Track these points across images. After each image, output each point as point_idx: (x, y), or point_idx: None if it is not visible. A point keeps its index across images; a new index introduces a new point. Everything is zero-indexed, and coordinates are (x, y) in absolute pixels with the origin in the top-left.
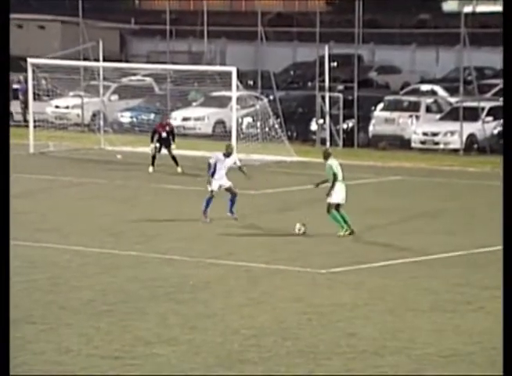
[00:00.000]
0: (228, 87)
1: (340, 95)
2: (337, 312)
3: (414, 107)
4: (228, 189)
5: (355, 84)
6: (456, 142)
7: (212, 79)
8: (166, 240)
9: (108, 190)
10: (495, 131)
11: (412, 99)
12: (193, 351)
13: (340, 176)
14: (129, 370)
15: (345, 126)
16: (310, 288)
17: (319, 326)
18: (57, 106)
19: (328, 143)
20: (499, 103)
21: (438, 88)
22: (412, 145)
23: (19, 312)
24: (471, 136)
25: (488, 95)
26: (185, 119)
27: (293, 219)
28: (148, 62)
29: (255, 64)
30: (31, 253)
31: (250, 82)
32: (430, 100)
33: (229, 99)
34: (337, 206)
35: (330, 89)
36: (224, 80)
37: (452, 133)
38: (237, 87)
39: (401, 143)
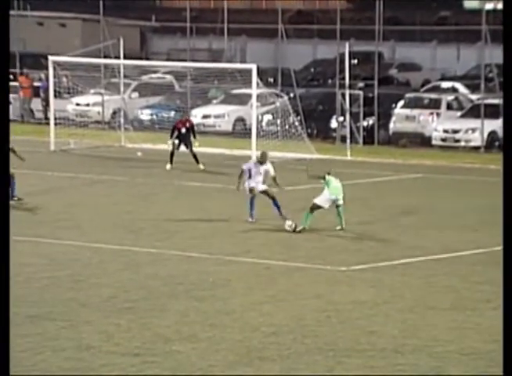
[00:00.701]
0: (249, 84)
1: (361, 93)
2: (356, 310)
3: (435, 104)
4: (263, 192)
5: (376, 82)
6: (477, 139)
7: (232, 77)
8: (186, 237)
9: (128, 188)
10: None
11: (433, 96)
12: (213, 348)
13: (331, 186)
14: (149, 367)
15: (365, 123)
16: (329, 286)
17: (339, 323)
18: (78, 104)
19: (348, 141)
20: None
21: (458, 86)
22: (433, 142)
23: (40, 308)
24: (492, 133)
25: None
26: (205, 116)
27: (312, 217)
28: (168, 59)
29: (275, 62)
30: (52, 250)
31: (271, 80)
32: (451, 97)
33: (249, 96)
34: (338, 206)
35: (351, 87)
36: (244, 77)
37: (473, 130)
38: (257, 84)
39: (421, 141)
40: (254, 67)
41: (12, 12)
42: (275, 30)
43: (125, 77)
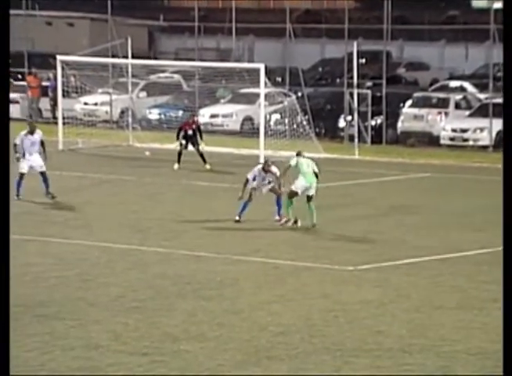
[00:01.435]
0: (257, 84)
1: (369, 92)
2: (363, 310)
3: (443, 104)
4: (271, 190)
5: (384, 81)
6: (485, 138)
7: (240, 76)
8: (193, 236)
9: (136, 187)
10: None
11: (441, 95)
12: (221, 347)
13: (303, 170)
14: (157, 366)
15: (374, 123)
16: (337, 285)
17: (346, 323)
18: (86, 103)
19: (356, 140)
20: None
21: (467, 85)
22: (441, 142)
23: (48, 308)
24: (501, 133)
25: None
26: (213, 116)
27: (320, 217)
28: (176, 59)
29: (283, 61)
30: (60, 249)
31: (279, 79)
32: (459, 97)
33: (257, 95)
34: (309, 198)
35: (359, 86)
36: (252, 77)
37: (482, 130)
38: (265, 84)
39: (429, 140)
40: (261, 67)
41: (20, 12)
42: (283, 30)
43: (133, 76)
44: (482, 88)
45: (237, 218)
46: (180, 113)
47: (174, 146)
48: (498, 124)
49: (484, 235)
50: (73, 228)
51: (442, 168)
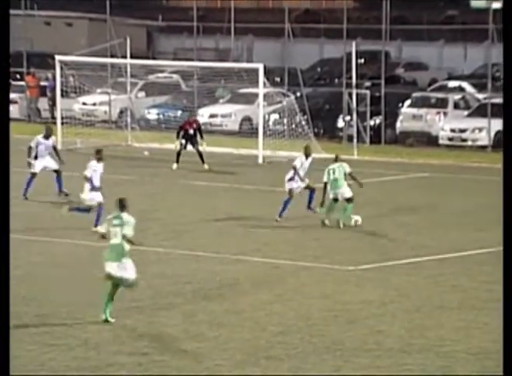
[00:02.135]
0: (255, 84)
1: (368, 92)
2: (363, 310)
3: (442, 104)
4: (306, 187)
5: (383, 81)
6: (483, 138)
7: (239, 76)
8: (193, 236)
9: (135, 187)
10: None
11: (440, 95)
12: (220, 347)
13: (332, 178)
14: (156, 366)
15: (372, 123)
16: (337, 285)
17: (346, 323)
18: (84, 103)
19: (355, 140)
20: None
21: (465, 85)
22: (440, 141)
23: (48, 308)
24: (499, 133)
25: None
26: (212, 116)
27: (320, 217)
28: (175, 59)
29: (282, 61)
30: (59, 249)
31: (277, 79)
32: (457, 97)
33: (256, 95)
34: (347, 200)
35: (357, 86)
36: (251, 77)
37: (480, 130)
38: (264, 84)
39: (428, 140)
40: (260, 67)
41: (19, 12)
42: (282, 30)
43: (132, 76)
44: (481, 88)
45: (278, 218)
46: (179, 113)
47: (175, 145)
48: (497, 124)
49: (484, 235)
50: (71, 228)
51: (441, 168)
